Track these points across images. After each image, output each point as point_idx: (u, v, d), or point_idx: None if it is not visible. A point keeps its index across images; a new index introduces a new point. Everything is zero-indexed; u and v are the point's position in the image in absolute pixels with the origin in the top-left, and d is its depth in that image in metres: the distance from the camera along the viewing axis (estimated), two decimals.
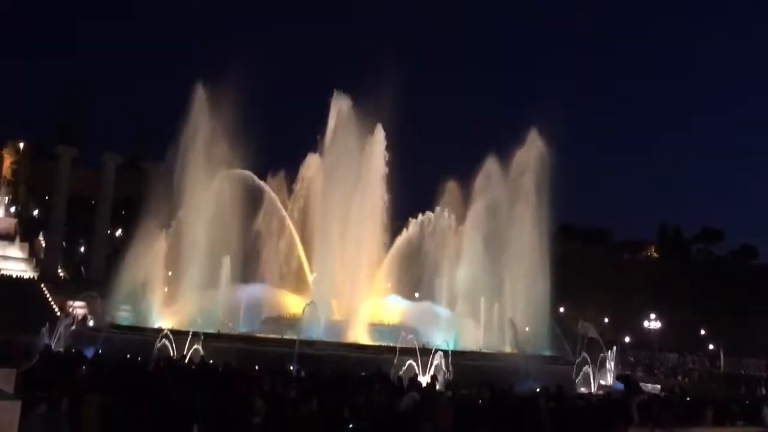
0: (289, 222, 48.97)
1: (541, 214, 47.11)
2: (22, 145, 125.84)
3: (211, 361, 27.48)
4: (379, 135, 47.62)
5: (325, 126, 49.37)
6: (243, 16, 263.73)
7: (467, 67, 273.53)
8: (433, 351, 33.88)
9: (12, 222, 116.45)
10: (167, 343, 32.84)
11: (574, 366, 41.17)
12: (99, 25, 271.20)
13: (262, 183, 48.89)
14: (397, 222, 49.06)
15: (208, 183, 46.35)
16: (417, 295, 48.92)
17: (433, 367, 32.01)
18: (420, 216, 48.91)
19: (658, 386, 44.42)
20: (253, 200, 47.81)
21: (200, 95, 47.14)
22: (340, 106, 48.74)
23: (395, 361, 31.81)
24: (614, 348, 46.42)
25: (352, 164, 47.35)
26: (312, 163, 50.63)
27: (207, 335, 35.62)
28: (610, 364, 44.68)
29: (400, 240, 48.26)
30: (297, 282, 48.25)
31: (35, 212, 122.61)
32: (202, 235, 45.17)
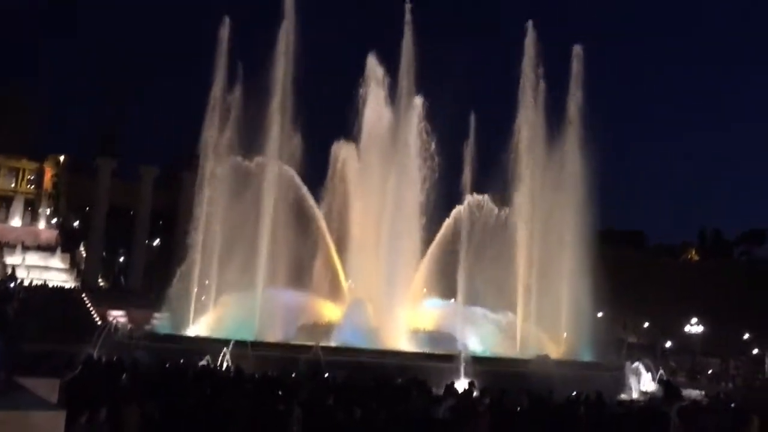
0: (323, 225, 48.27)
1: (583, 215, 46.43)
2: (62, 158, 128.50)
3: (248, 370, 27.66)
4: (416, 110, 45.87)
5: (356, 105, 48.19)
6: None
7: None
8: (462, 357, 33.81)
9: (53, 233, 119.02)
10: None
11: (614, 372, 40.63)
12: (135, 35, 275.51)
13: (296, 176, 47.18)
14: (438, 212, 47.70)
15: (235, 180, 45.86)
16: (453, 300, 48.18)
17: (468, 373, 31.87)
18: (458, 207, 47.55)
19: (702, 392, 43.62)
20: (286, 198, 46.90)
21: (216, 94, 46.76)
22: (374, 74, 47.81)
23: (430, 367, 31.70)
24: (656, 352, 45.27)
25: (387, 147, 46.58)
26: (343, 151, 49.75)
27: (242, 343, 36.00)
28: (652, 370, 44.00)
29: (438, 240, 47.37)
30: (331, 289, 48.14)
31: (75, 223, 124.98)
32: (233, 240, 45.15)
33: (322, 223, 48.06)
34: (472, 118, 46.13)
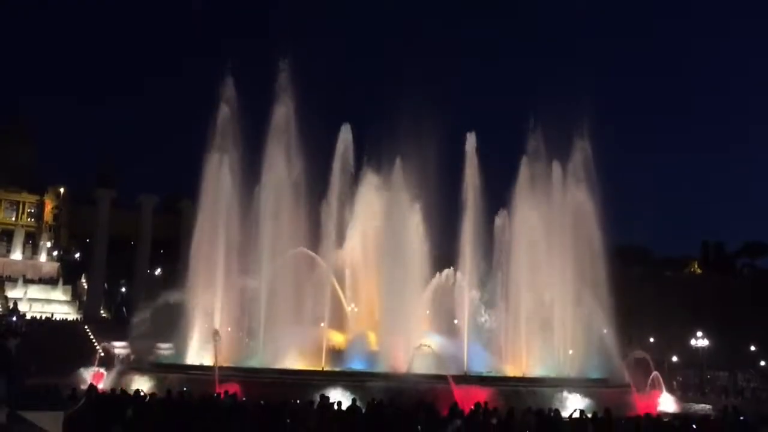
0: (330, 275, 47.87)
1: (587, 234, 46.40)
2: (62, 190, 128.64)
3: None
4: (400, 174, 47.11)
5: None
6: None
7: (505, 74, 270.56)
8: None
9: (55, 266, 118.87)
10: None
11: (623, 388, 40.42)
12: (134, 68, 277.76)
13: (313, 255, 46.87)
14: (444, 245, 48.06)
15: (236, 211, 46.23)
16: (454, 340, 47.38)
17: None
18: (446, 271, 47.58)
19: (709, 406, 43.30)
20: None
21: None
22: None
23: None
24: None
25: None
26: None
27: (249, 369, 35.84)
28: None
29: (434, 282, 47.24)
30: (333, 319, 47.78)
31: (77, 255, 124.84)
32: (237, 269, 45.16)
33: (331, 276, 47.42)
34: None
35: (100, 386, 35.09)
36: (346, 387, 32.86)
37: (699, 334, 73.98)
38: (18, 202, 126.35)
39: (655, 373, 43.75)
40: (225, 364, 37.89)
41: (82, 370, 42.60)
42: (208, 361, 42.43)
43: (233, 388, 30.09)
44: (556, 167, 47.95)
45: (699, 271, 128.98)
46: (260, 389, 30.49)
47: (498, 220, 47.79)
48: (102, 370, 43.56)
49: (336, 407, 24.28)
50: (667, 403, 42.30)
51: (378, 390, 31.68)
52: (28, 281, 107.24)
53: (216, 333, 36.35)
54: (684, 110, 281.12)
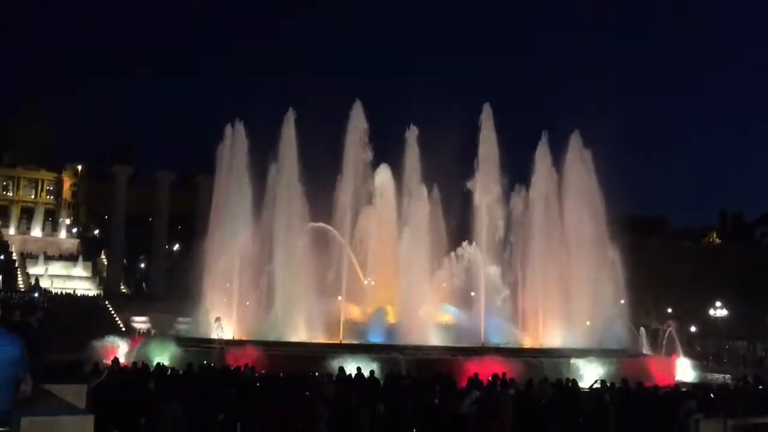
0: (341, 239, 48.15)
1: (600, 206, 46.33)
2: (80, 167, 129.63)
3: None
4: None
5: None
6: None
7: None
8: None
9: (74, 242, 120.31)
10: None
11: (641, 357, 40.46)
12: (152, 46, 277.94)
13: (330, 228, 47.15)
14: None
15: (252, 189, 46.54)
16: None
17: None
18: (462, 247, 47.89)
19: (728, 375, 43.21)
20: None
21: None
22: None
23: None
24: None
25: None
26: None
27: (266, 343, 36.16)
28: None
29: (452, 255, 47.60)
30: (350, 292, 48.06)
31: (96, 232, 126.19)
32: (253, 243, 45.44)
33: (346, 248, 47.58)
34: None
35: (122, 360, 35.57)
36: (364, 359, 33.07)
37: (718, 304, 73.64)
38: (37, 180, 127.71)
39: (669, 329, 43.68)
40: (244, 338, 38.34)
41: (94, 342, 43.04)
42: (226, 334, 42.95)
43: (251, 358, 30.38)
44: (576, 137, 47.85)
45: (718, 241, 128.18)
46: (279, 362, 30.78)
47: (515, 191, 47.90)
48: (113, 342, 43.83)
49: (354, 379, 24.48)
50: (685, 370, 42.33)
51: (396, 362, 31.97)
52: (48, 258, 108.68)
53: (218, 320, 36.64)
54: (701, 87, 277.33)
